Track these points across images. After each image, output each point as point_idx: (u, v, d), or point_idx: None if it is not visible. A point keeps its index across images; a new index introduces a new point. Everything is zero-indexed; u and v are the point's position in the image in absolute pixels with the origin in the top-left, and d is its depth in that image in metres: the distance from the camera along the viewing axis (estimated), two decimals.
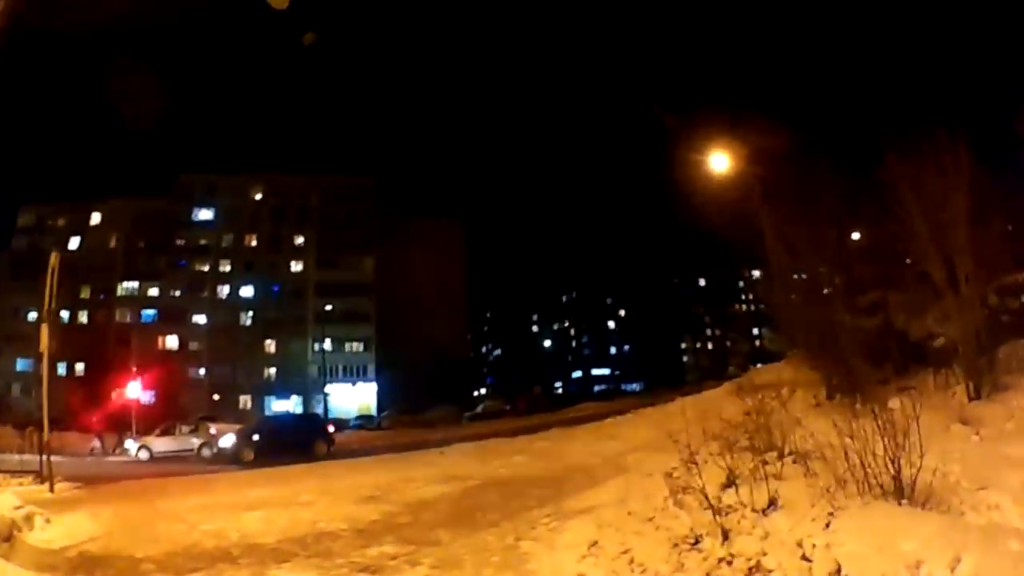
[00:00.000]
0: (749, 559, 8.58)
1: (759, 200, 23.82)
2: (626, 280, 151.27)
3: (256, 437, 41.23)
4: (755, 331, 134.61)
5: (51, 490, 25.50)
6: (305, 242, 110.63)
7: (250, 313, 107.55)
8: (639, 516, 11.76)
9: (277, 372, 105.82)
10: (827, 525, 8.21)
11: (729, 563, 8.76)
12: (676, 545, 9.81)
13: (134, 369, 64.88)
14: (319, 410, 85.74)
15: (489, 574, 11.31)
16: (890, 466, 8.45)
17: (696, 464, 10.75)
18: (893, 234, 18.16)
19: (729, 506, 9.90)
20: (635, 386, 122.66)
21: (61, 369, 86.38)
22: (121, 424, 54.75)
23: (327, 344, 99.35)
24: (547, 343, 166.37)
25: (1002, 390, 14.82)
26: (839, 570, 7.50)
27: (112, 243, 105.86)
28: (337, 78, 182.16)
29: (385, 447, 41.78)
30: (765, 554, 8.46)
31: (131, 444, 48.29)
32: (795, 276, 24.25)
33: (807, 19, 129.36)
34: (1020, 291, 19.32)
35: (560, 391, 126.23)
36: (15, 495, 19.15)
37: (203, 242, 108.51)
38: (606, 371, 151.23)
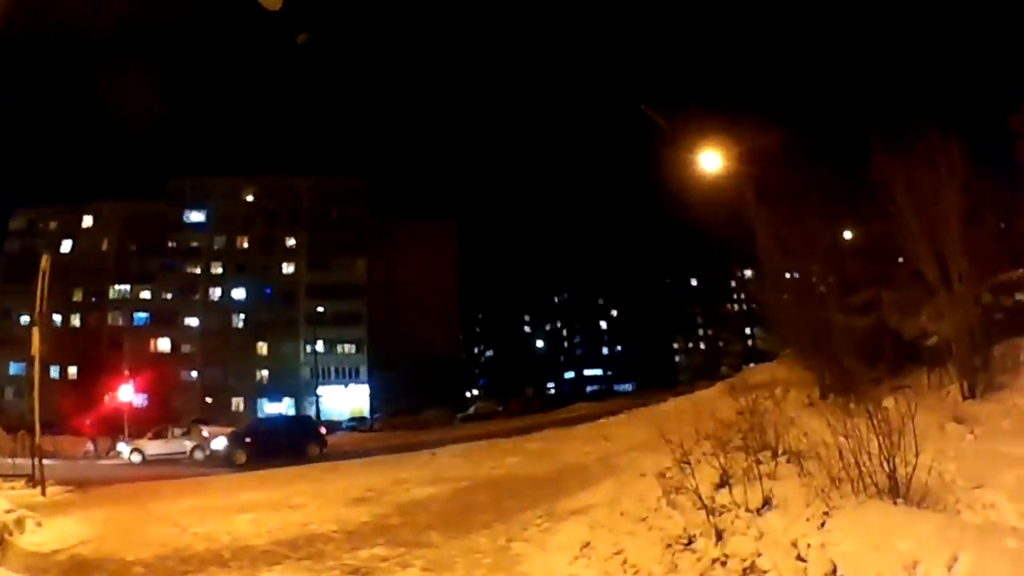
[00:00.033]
0: (744, 560, 8.50)
1: (751, 199, 23.74)
2: (618, 280, 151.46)
3: (248, 440, 41.18)
4: (747, 331, 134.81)
5: (43, 494, 25.41)
6: (297, 244, 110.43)
7: (242, 315, 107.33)
8: (632, 516, 11.69)
9: (269, 374, 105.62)
10: (822, 525, 8.13)
11: (723, 564, 8.68)
12: (669, 546, 9.73)
13: (126, 372, 64.69)
14: (311, 412, 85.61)
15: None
16: (885, 465, 8.37)
17: (689, 464, 10.70)
18: (886, 232, 18.08)
19: (723, 506, 9.81)
20: (627, 386, 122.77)
21: (54, 372, 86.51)
22: (114, 427, 54.64)
23: (319, 346, 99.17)
24: (539, 344, 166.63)
25: (997, 389, 14.76)
26: (835, 570, 7.43)
27: (104, 246, 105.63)
28: (329, 80, 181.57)
29: (377, 449, 41.76)
30: (760, 555, 8.38)
31: (123, 447, 48.32)
32: (787, 275, 24.20)
33: (799, 17, 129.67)
34: (1014, 289, 19.26)
35: (553, 392, 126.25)
36: (6, 499, 19.13)
37: (195, 244, 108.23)
38: (598, 372, 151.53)
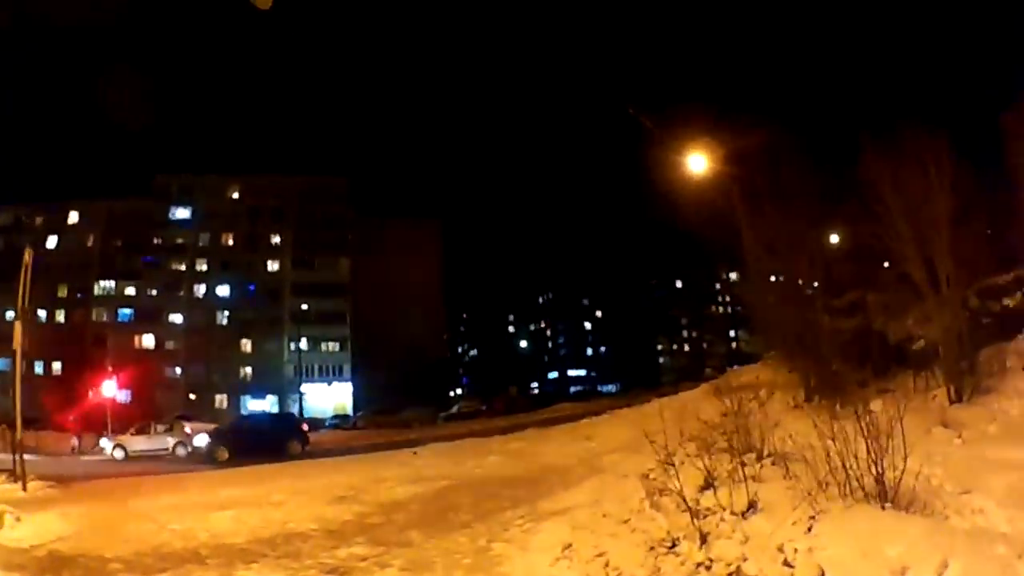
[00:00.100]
0: (729, 564, 8.35)
1: (737, 200, 23.66)
2: (603, 281, 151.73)
3: (230, 436, 41.15)
4: (732, 333, 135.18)
5: (24, 489, 25.33)
6: (281, 242, 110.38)
7: (226, 313, 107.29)
8: (615, 518, 11.55)
9: (253, 371, 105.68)
10: (809, 529, 7.99)
11: (708, 568, 8.53)
12: (652, 548, 9.56)
13: (110, 368, 64.48)
14: (295, 410, 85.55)
15: None
16: (873, 469, 8.25)
17: (673, 465, 10.54)
18: (873, 234, 17.97)
19: (707, 508, 9.65)
20: (611, 387, 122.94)
21: (38, 368, 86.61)
22: (98, 423, 54.48)
23: (303, 344, 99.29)
24: (523, 344, 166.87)
25: (983, 393, 14.71)
26: None
27: (89, 242, 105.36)
28: (315, 79, 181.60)
29: (360, 447, 41.75)
30: (745, 559, 8.23)
31: (106, 443, 48.17)
32: (773, 277, 24.13)
33: (785, 18, 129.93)
34: (1001, 293, 19.21)
35: (536, 392, 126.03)
36: None
37: (180, 241, 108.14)
38: (582, 372, 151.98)
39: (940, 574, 6.44)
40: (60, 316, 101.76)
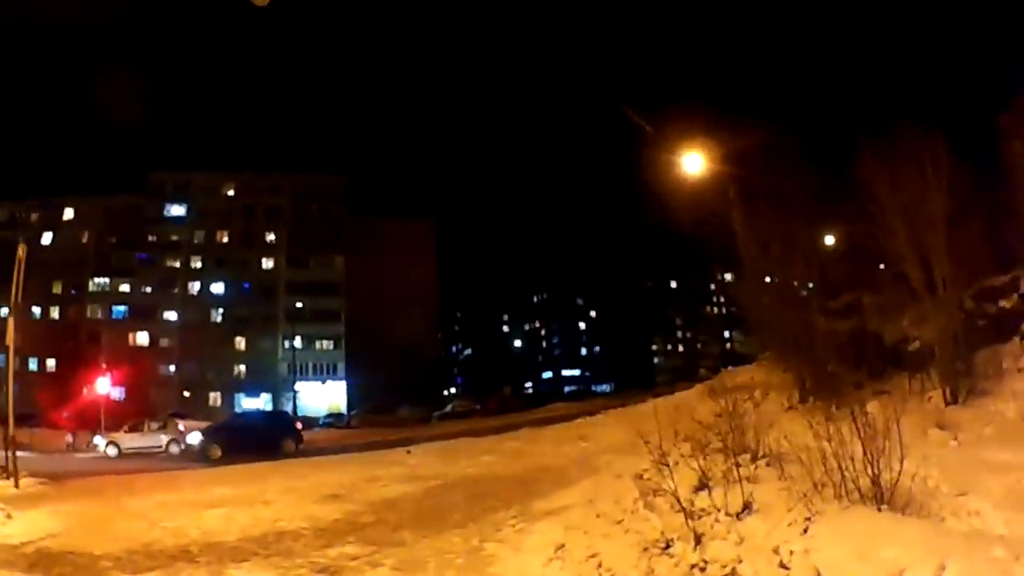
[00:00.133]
0: (724, 566, 8.25)
1: (732, 200, 23.63)
2: (597, 281, 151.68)
3: (224, 434, 41.05)
4: (727, 334, 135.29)
5: (16, 486, 25.27)
6: (276, 240, 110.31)
7: (221, 310, 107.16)
8: (608, 518, 11.46)
9: (247, 370, 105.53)
10: (805, 531, 7.90)
11: (703, 569, 8.43)
12: (646, 549, 9.46)
13: (104, 365, 64.38)
14: (289, 408, 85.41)
15: None
16: (870, 470, 8.18)
17: (667, 466, 10.46)
18: (869, 234, 17.93)
19: (702, 509, 9.54)
20: (605, 387, 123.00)
21: (32, 365, 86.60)
22: (92, 420, 54.34)
23: (297, 342, 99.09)
24: (518, 343, 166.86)
25: (979, 395, 14.70)
26: None
27: (84, 239, 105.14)
28: (310, 77, 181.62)
29: (353, 446, 41.50)
30: (741, 561, 8.14)
31: (99, 440, 48.03)
32: (768, 278, 24.08)
33: (782, 17, 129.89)
34: (997, 296, 19.18)
35: (530, 391, 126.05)
36: None
37: (175, 239, 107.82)
38: (576, 372, 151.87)
39: None
40: (54, 313, 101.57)
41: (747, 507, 9.07)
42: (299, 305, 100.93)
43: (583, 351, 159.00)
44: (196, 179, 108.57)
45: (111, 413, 55.60)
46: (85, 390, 63.28)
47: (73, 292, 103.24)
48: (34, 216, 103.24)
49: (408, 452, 31.20)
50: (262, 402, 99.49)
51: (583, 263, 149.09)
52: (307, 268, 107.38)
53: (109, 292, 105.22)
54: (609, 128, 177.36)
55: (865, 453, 8.24)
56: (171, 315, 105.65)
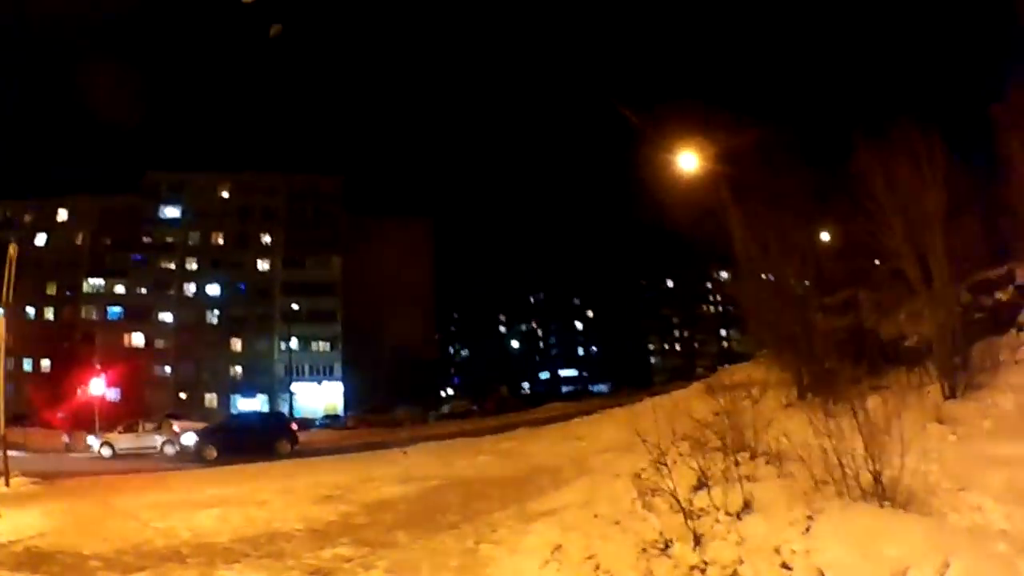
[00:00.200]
0: (724, 567, 8.16)
1: (728, 198, 23.54)
2: (594, 281, 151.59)
3: (219, 435, 41.13)
4: (723, 332, 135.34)
5: (7, 485, 25.31)
6: (272, 241, 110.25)
7: (216, 311, 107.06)
8: (606, 519, 11.35)
9: (243, 371, 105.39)
10: (807, 530, 7.82)
11: (702, 571, 8.33)
12: (644, 550, 9.34)
13: (98, 366, 64.35)
14: (285, 409, 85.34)
15: None
16: (871, 466, 8.08)
17: (665, 465, 10.35)
18: (865, 230, 17.85)
19: (701, 509, 9.45)
20: (602, 387, 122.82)
21: (27, 365, 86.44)
22: (86, 421, 54.30)
23: (294, 343, 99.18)
24: (515, 344, 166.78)
25: (976, 389, 14.58)
26: None
27: (79, 240, 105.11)
28: (305, 77, 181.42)
29: (350, 446, 41.54)
30: (742, 562, 8.04)
31: (93, 440, 47.97)
32: (765, 276, 23.99)
33: (775, 15, 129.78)
34: (993, 288, 19.14)
35: (527, 392, 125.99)
36: None
37: (170, 240, 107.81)
38: (573, 372, 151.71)
39: (942, 574, 6.29)
40: (49, 313, 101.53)
41: (747, 506, 8.98)
42: (295, 306, 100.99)
43: (580, 351, 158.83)
44: (191, 179, 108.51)
45: (106, 414, 55.76)
46: (79, 391, 63.38)
47: (68, 293, 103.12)
48: (28, 216, 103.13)
49: (404, 453, 31.11)
50: (258, 403, 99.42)
51: (580, 263, 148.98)
52: (303, 269, 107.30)
53: (104, 293, 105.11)
54: (604, 127, 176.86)
55: (866, 449, 8.15)
56: (166, 316, 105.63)
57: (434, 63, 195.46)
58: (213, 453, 38.59)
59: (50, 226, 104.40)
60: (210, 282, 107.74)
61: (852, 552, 7.00)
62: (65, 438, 52.08)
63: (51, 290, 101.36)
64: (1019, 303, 18.03)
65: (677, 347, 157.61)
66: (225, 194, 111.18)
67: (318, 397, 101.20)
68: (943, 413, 13.30)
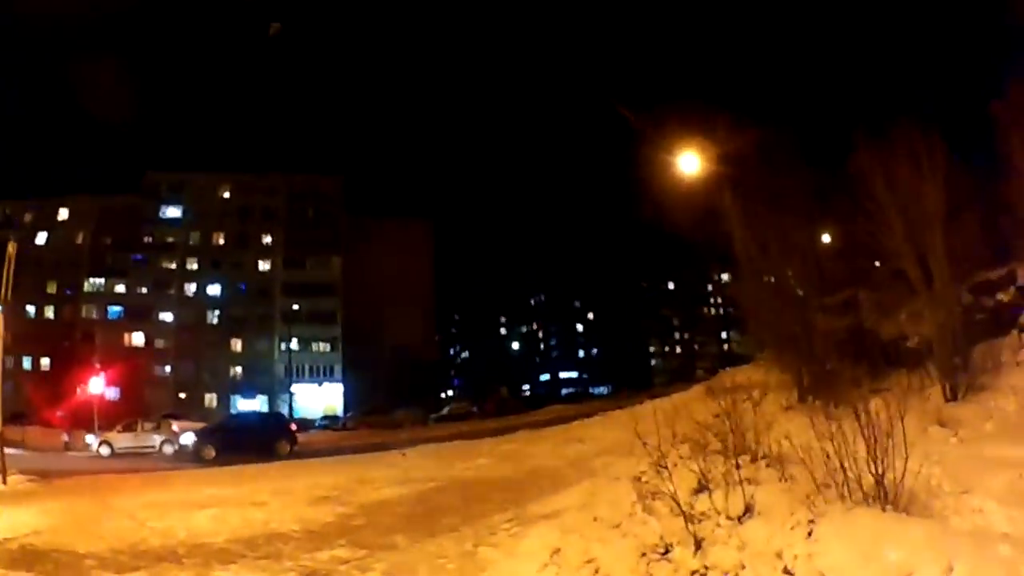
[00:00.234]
0: (726, 572, 8.08)
1: (728, 200, 23.49)
2: (594, 283, 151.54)
3: (218, 435, 41.12)
4: (724, 334, 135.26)
5: (4, 483, 25.25)
6: (272, 241, 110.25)
7: (217, 311, 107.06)
8: (605, 522, 11.24)
9: (243, 371, 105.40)
10: (809, 534, 7.72)
11: None
12: (644, 554, 9.24)
13: (97, 365, 64.35)
14: (285, 410, 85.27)
15: None
16: (874, 469, 8.00)
17: (666, 467, 10.27)
18: (865, 231, 17.81)
19: (702, 513, 9.35)
20: (603, 389, 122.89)
21: (26, 364, 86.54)
22: (87, 420, 54.33)
23: (294, 344, 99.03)
24: (515, 345, 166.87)
25: (978, 391, 14.56)
26: None
27: (79, 239, 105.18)
28: (305, 77, 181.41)
29: (349, 448, 41.47)
30: (743, 567, 7.95)
31: (92, 439, 47.97)
32: (765, 276, 23.93)
33: (775, 15, 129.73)
34: (994, 289, 19.08)
35: (528, 393, 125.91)
36: None
37: (170, 240, 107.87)
38: (574, 374, 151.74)
39: None
40: (49, 312, 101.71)
41: (748, 510, 8.89)
42: (295, 306, 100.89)
43: (580, 353, 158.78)
44: (192, 179, 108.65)
45: (106, 413, 55.78)
46: (79, 389, 63.42)
47: (68, 292, 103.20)
48: (29, 216, 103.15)
49: (403, 454, 31.04)
50: (258, 404, 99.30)
51: (580, 265, 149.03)
52: (303, 269, 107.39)
53: (104, 292, 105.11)
54: (605, 129, 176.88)
55: (869, 452, 8.07)
56: (167, 316, 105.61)
57: (434, 63, 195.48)
58: (212, 453, 38.54)
59: (51, 225, 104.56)
60: (210, 282, 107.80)
61: (854, 556, 6.93)
62: (64, 437, 52.03)
63: (51, 289, 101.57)
64: (1020, 304, 17.99)
65: (677, 349, 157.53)
66: (225, 194, 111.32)
67: (318, 398, 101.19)
68: (944, 415, 13.25)
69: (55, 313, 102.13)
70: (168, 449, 44.55)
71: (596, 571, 9.58)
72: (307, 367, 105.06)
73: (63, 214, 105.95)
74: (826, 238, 25.05)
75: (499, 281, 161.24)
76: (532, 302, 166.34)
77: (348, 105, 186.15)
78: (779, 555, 7.67)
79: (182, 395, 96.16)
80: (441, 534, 13.75)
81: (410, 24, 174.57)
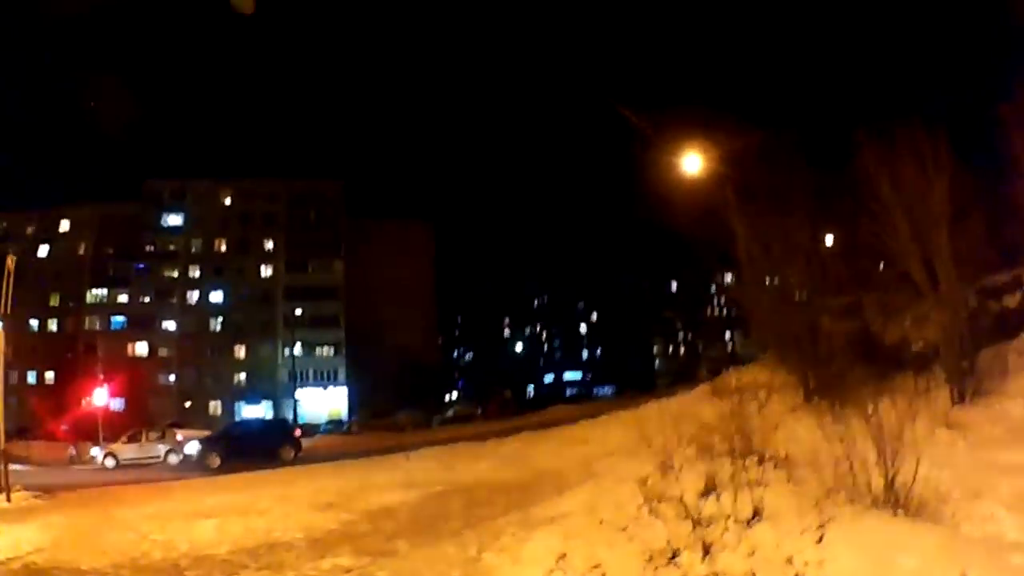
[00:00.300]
0: None
1: (732, 200, 23.38)
2: (597, 284, 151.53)
3: (222, 443, 41.09)
4: (727, 335, 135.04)
5: (8, 499, 25.12)
6: (274, 246, 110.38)
7: (220, 318, 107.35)
8: (611, 526, 11.11)
9: (247, 377, 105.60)
10: (819, 539, 7.61)
11: None
12: (651, 559, 9.09)
13: (101, 376, 64.41)
14: (290, 415, 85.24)
15: None
16: (884, 472, 7.89)
17: (673, 469, 10.15)
18: (870, 232, 17.69)
19: (710, 516, 9.20)
20: (607, 390, 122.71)
21: (31, 378, 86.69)
22: (92, 432, 54.32)
23: (297, 348, 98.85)
24: (519, 347, 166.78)
25: (985, 394, 14.48)
26: None
27: (81, 250, 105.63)
28: (304, 82, 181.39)
29: (353, 452, 41.34)
30: (754, 574, 7.83)
31: (97, 452, 48.01)
32: (768, 279, 23.82)
33: (777, 14, 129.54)
34: (1001, 292, 18.97)
35: (531, 395, 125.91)
36: None
37: (172, 247, 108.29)
38: (577, 375, 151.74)
39: None
40: (52, 325, 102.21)
41: (757, 514, 8.76)
42: (298, 311, 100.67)
43: (584, 354, 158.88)
44: (192, 186, 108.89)
45: (111, 424, 55.76)
46: (84, 402, 63.43)
47: (71, 304, 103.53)
48: (30, 228, 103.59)
49: (407, 458, 30.94)
50: (263, 410, 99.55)
51: (583, 266, 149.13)
52: (305, 273, 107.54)
53: (107, 303, 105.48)
54: (607, 130, 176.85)
55: (879, 455, 7.97)
56: (170, 324, 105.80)
57: (435, 65, 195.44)
58: (216, 461, 38.53)
59: (52, 237, 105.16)
60: (212, 289, 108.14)
61: (866, 563, 6.83)
62: (71, 450, 52.04)
63: (54, 302, 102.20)
64: None
65: (681, 350, 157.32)
66: (226, 200, 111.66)
67: (323, 403, 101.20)
68: (952, 419, 13.18)
69: (58, 326, 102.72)
70: (173, 458, 44.73)
71: None
72: (311, 371, 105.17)
73: (64, 225, 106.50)
74: (829, 239, 24.93)
75: (502, 283, 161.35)
76: (535, 303, 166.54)
77: (347, 109, 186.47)
78: (789, 561, 7.56)
79: (187, 403, 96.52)
80: (444, 540, 13.59)
81: (410, 26, 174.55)
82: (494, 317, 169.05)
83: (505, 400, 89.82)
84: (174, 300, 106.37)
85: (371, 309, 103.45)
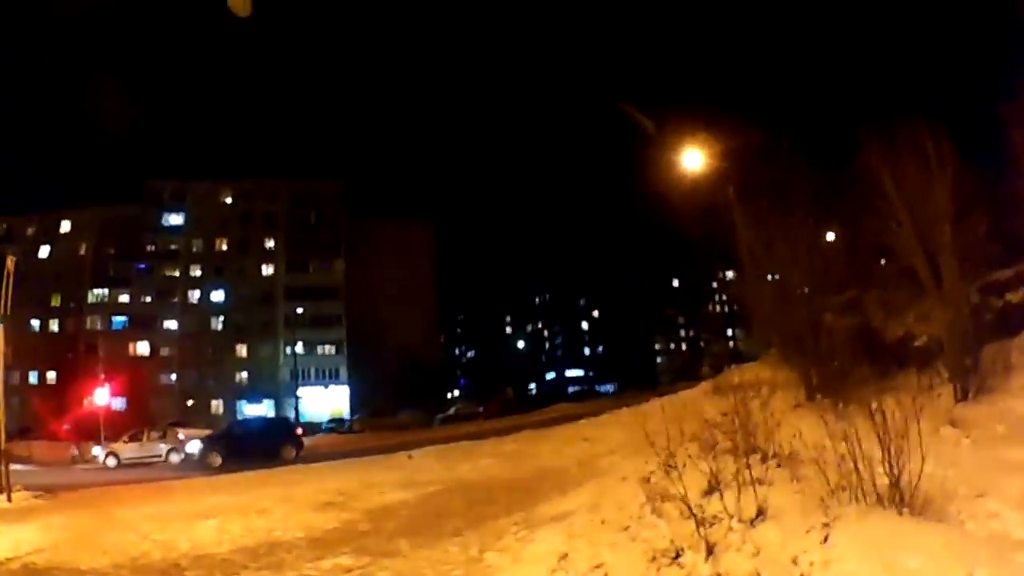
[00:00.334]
0: None
1: (733, 197, 23.35)
2: (599, 281, 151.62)
3: (223, 442, 41.09)
4: (729, 332, 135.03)
5: (8, 500, 25.10)
6: (275, 246, 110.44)
7: (221, 318, 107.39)
8: (613, 525, 11.07)
9: (249, 376, 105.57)
10: (825, 539, 7.53)
11: None
12: (654, 559, 9.01)
13: (102, 376, 64.43)
14: (292, 414, 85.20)
15: None
16: (889, 470, 7.83)
17: (675, 467, 10.08)
18: (872, 229, 17.63)
19: (713, 516, 9.12)
20: (609, 387, 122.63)
21: (33, 378, 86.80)
22: (95, 432, 54.32)
23: (299, 347, 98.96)
24: (520, 345, 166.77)
25: (989, 392, 14.37)
26: None
27: (82, 251, 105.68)
28: (304, 82, 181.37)
29: (355, 451, 41.23)
30: (758, 574, 7.74)
31: (98, 451, 48.01)
32: (770, 276, 23.77)
33: (779, 13, 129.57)
34: (1004, 289, 18.92)
35: (533, 393, 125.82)
36: None
37: (173, 247, 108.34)
38: (579, 372, 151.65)
39: None
40: (54, 326, 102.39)
41: (761, 513, 8.67)
42: (299, 310, 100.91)
43: (586, 351, 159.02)
44: (192, 187, 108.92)
45: (112, 423, 55.78)
46: (85, 402, 63.47)
47: (72, 304, 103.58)
48: (31, 230, 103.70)
49: (409, 456, 30.90)
50: (265, 409, 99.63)
51: (585, 263, 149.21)
52: (306, 273, 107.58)
53: (108, 303, 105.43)
54: (609, 128, 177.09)
55: (884, 453, 7.90)
56: (171, 324, 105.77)
57: (435, 65, 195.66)
58: (218, 460, 38.54)
59: (53, 239, 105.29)
60: (213, 289, 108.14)
61: (873, 564, 6.73)
62: (73, 450, 52.03)
63: (55, 302, 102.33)
64: None
65: (683, 347, 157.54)
66: (227, 200, 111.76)
67: (325, 401, 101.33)
68: (955, 416, 13.07)
69: (59, 326, 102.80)
70: (175, 458, 44.89)
71: None
72: (312, 370, 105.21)
73: (65, 226, 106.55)
74: (831, 236, 24.88)
75: (503, 281, 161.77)
76: (537, 301, 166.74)
77: (348, 108, 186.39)
78: (795, 561, 7.46)
79: (189, 403, 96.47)
80: (446, 539, 13.54)
81: (411, 26, 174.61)
82: (495, 315, 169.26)
83: (507, 398, 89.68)
84: (175, 300, 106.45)
85: (372, 308, 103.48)
